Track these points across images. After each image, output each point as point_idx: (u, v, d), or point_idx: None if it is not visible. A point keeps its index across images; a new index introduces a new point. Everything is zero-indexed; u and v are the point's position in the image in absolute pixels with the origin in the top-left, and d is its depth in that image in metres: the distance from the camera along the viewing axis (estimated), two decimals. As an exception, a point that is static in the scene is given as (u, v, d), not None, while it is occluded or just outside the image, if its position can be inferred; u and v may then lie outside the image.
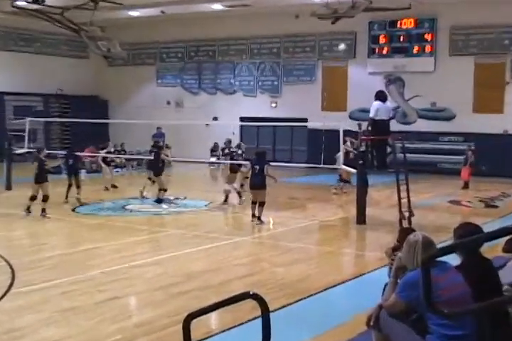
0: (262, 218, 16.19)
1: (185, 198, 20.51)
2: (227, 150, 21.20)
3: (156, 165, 19.53)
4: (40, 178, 17.00)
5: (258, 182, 16.23)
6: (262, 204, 16.14)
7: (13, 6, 26.64)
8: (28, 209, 16.85)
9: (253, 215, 16.27)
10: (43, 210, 16.69)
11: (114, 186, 23.22)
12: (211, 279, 10.68)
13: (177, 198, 20.38)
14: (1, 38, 35.10)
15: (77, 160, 20.47)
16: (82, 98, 38.07)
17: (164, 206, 18.68)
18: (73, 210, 18.29)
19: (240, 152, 20.45)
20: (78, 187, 19.50)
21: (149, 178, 20.56)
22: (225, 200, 19.30)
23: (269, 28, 33.48)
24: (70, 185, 19.62)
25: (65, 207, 18.68)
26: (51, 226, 15.87)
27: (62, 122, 35.85)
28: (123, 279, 10.61)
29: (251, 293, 4.22)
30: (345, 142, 20.39)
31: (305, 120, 30.70)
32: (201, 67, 36.87)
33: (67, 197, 19.47)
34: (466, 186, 24.34)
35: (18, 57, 35.42)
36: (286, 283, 10.44)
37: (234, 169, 19.88)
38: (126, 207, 19.04)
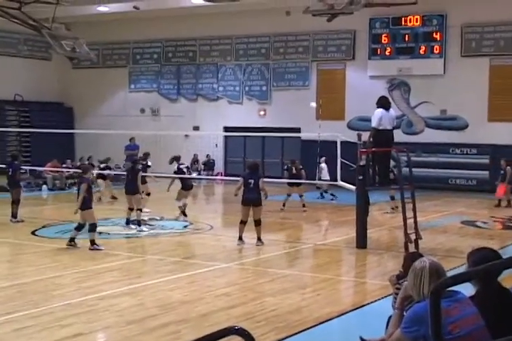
0: (244, 239, 16.35)
1: (161, 219, 20.44)
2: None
3: (132, 183, 19.34)
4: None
5: (254, 198, 16.15)
6: (258, 222, 16.27)
7: (-39, -1, 26.63)
8: None
9: (240, 238, 16.33)
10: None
11: (113, 197, 25.20)
12: (191, 311, 10.61)
13: (153, 218, 20.30)
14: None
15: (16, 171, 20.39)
16: (44, 105, 38.09)
17: (140, 228, 18.57)
18: (33, 233, 18.17)
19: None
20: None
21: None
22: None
23: (257, 26, 33.60)
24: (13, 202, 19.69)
25: (23, 229, 18.55)
26: (6, 251, 15.80)
27: (21, 132, 35.77)
28: (89, 312, 10.50)
29: (236, 327, 4.15)
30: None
31: (298, 130, 30.77)
32: (180, 70, 36.95)
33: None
34: (498, 204, 24.60)
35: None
36: (276, 315, 10.36)
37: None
38: (138, 230, 18.86)
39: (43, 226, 19.12)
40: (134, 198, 18.91)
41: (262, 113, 34.46)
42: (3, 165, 21.55)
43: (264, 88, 34.57)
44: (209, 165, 32.96)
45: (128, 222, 18.97)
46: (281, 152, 33.53)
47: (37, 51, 38.24)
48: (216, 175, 32.98)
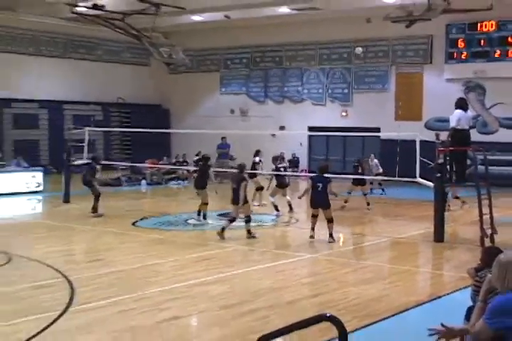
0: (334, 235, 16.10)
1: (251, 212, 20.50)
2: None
3: (201, 178, 19.32)
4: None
5: (322, 201, 15.69)
6: (330, 220, 15.71)
7: (73, 12, 27.21)
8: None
9: (312, 229, 15.94)
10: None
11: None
12: (278, 298, 10.61)
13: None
14: (60, 45, 35.83)
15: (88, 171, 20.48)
16: (144, 107, 38.62)
17: (209, 221, 18.57)
18: (133, 224, 18.46)
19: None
20: None
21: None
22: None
23: (339, 33, 33.38)
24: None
25: (126, 220, 18.85)
26: (111, 240, 16.02)
27: (123, 132, 36.37)
28: (185, 297, 10.61)
29: (328, 314, 4.13)
30: None
31: (377, 130, 30.48)
32: (267, 74, 36.98)
33: None
34: None
35: (77, 64, 36.13)
36: (358, 303, 10.29)
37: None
38: (189, 221, 19.13)
39: (142, 218, 19.40)
40: (201, 193, 18.91)
41: (343, 114, 34.23)
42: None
43: (345, 90, 34.35)
44: (294, 162, 32.87)
45: (202, 215, 18.88)
46: (361, 150, 33.19)
47: (138, 58, 38.80)
48: (301, 172, 32.88)
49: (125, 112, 38.10)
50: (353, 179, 22.16)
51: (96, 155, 22.40)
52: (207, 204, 18.76)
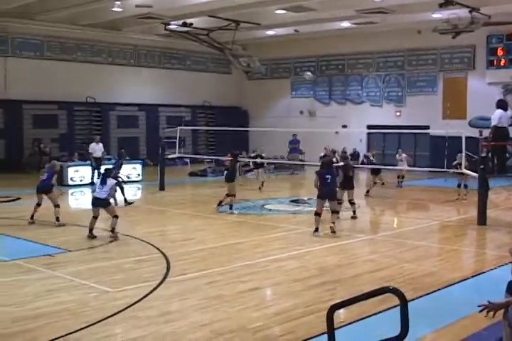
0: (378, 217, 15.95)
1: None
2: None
3: (230, 172, 18.67)
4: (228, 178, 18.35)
5: (330, 192, 14.39)
6: (336, 212, 14.62)
7: (166, 29, 27.56)
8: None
9: (316, 229, 14.31)
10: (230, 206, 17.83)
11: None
12: (343, 273, 10.62)
13: (310, 198, 20.37)
14: (157, 57, 36.31)
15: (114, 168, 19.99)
16: (225, 109, 38.80)
17: (235, 212, 17.74)
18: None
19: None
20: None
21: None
22: None
23: (394, 43, 32.99)
24: None
25: (212, 206, 19.04)
26: (199, 222, 16.21)
27: (208, 130, 36.65)
28: (263, 271, 10.70)
29: (391, 287, 4.14)
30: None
31: (427, 127, 30.02)
32: (331, 80, 36.75)
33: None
34: None
35: (171, 73, 36.54)
36: (413, 278, 10.23)
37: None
38: (265, 206, 19.24)
39: (227, 204, 19.53)
40: (228, 185, 18.15)
41: (397, 114, 33.82)
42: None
43: (399, 93, 33.91)
44: (355, 156, 32.56)
45: (230, 207, 18.07)
46: (413, 146, 32.78)
47: (220, 67, 38.97)
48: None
49: (210, 113, 38.35)
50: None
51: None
52: (234, 195, 17.95)
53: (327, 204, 14.58)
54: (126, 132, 33.57)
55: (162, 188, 22.90)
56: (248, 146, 37.30)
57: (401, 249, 12.80)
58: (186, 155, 31.18)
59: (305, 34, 33.60)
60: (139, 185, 25.38)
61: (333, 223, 14.37)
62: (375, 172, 22.31)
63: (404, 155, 24.05)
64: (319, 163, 16.94)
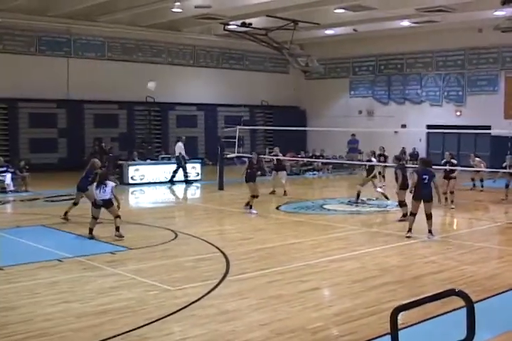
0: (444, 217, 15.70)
1: (376, 199, 20.28)
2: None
3: (250, 173, 18.01)
4: (248, 179, 17.73)
5: (426, 194, 13.65)
6: (430, 216, 13.73)
7: (225, 30, 27.68)
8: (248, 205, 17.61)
9: (409, 230, 13.89)
10: (250, 206, 17.48)
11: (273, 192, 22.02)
12: (404, 274, 10.47)
13: (370, 199, 20.21)
14: (216, 57, 36.54)
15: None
16: (283, 108, 38.77)
17: (254, 211, 17.38)
18: (277, 208, 18.65)
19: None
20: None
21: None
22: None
23: (454, 42, 32.41)
24: None
25: (271, 205, 19.05)
26: (258, 222, 16.23)
27: (266, 130, 36.68)
28: (323, 271, 10.63)
29: (457, 290, 4.05)
30: None
31: (488, 127, 29.43)
32: (390, 79, 36.36)
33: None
34: None
35: (229, 73, 36.73)
36: (474, 280, 10.02)
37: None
38: (325, 206, 19.18)
39: (285, 203, 19.55)
40: (248, 186, 17.89)
41: (458, 113, 33.23)
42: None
43: (460, 93, 33.32)
44: (414, 156, 32.14)
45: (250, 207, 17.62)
46: (473, 146, 32.16)
47: (278, 67, 38.98)
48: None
49: (268, 113, 38.39)
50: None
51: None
52: (256, 197, 17.61)
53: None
54: (185, 131, 33.78)
55: (221, 187, 22.99)
56: (306, 146, 37.24)
57: (461, 251, 12.56)
58: (245, 155, 31.27)
59: (364, 33, 33.30)
60: (198, 184, 25.56)
61: (430, 231, 13.68)
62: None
63: (477, 159, 23.02)
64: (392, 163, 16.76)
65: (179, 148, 25.83)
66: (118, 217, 13.53)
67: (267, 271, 10.56)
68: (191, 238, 13.59)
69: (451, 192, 18.40)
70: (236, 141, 23.82)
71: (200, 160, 27.50)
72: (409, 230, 13.83)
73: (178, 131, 33.99)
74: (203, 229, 14.84)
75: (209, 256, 11.76)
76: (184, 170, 25.41)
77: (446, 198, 18.25)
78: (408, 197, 14.91)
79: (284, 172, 22.76)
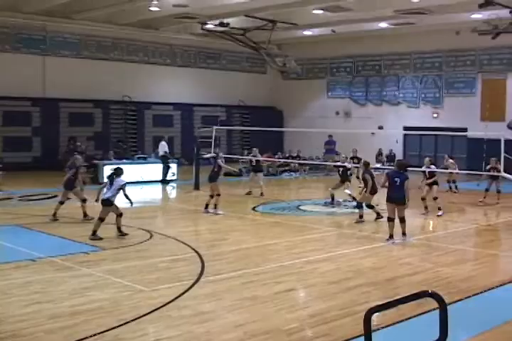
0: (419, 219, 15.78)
1: (353, 199, 20.37)
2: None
3: (214, 173, 17.97)
4: (211, 179, 17.72)
5: (398, 197, 13.40)
6: (403, 220, 13.63)
7: (203, 29, 27.74)
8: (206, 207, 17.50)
9: (391, 236, 13.60)
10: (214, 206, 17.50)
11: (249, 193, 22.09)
12: (379, 276, 10.54)
13: (346, 200, 20.31)
14: (193, 56, 36.51)
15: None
16: (260, 109, 38.86)
17: (220, 212, 17.40)
18: (253, 209, 18.69)
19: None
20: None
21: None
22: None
23: (432, 44, 32.68)
24: None
25: (247, 206, 19.09)
26: (234, 223, 16.24)
27: (243, 130, 36.72)
28: (298, 273, 10.67)
29: (429, 291, 4.11)
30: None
31: (465, 130, 29.72)
32: (368, 81, 36.56)
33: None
34: None
35: (206, 73, 36.72)
36: (449, 282, 10.11)
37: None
38: (301, 207, 19.27)
39: (261, 204, 19.59)
40: (211, 186, 17.75)
41: (434, 115, 33.49)
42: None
43: (437, 95, 33.59)
44: (391, 157, 32.38)
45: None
46: (450, 148, 32.44)
47: (255, 66, 39.07)
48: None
49: (245, 113, 38.44)
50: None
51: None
52: (219, 195, 17.56)
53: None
54: (162, 131, 33.63)
55: (197, 187, 23.02)
56: (283, 147, 37.32)
57: (437, 253, 12.68)
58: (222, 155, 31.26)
59: (342, 34, 33.45)
60: (174, 184, 25.52)
61: (404, 234, 13.69)
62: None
63: (451, 160, 23.10)
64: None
65: (163, 146, 25.93)
66: (120, 215, 13.55)
67: (242, 271, 10.58)
68: (166, 238, 13.57)
69: (435, 198, 17.81)
70: (212, 141, 23.79)
71: (176, 160, 27.44)
72: (391, 236, 13.58)
73: (154, 131, 33.93)
74: (179, 229, 14.84)
75: (184, 256, 11.76)
76: (166, 169, 25.49)
77: (425, 206, 17.93)
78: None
79: (261, 173, 22.82)
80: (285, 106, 39.95)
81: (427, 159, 18.51)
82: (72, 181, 15.71)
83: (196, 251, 12.12)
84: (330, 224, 16.49)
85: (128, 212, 14.11)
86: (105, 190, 13.62)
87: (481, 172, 20.77)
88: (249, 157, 23.63)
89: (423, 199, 17.87)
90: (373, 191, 16.14)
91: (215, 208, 17.60)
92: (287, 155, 31.92)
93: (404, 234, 13.73)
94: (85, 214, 15.55)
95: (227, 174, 28.79)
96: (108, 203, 13.44)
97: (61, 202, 15.73)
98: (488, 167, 20.14)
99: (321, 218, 17.45)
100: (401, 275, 10.63)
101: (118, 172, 13.82)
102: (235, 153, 35.00)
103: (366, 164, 16.96)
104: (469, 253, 13.08)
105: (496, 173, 18.91)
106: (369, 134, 33.51)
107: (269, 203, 19.85)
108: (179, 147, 34.87)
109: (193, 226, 16.20)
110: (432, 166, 18.16)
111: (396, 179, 13.49)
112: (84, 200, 15.65)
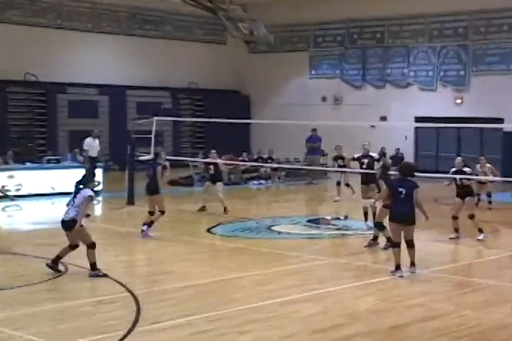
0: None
1: (346, 218, 20.42)
2: None
3: (153, 182, 17.92)
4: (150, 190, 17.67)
5: (405, 213, 13.39)
6: (411, 244, 13.59)
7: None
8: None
9: (397, 267, 13.59)
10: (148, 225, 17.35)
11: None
12: (381, 322, 10.55)
13: (336, 218, 20.34)
14: (123, 20, 36.43)
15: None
16: (219, 93, 38.92)
17: (151, 234, 17.45)
18: (208, 230, 18.64)
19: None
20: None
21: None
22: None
23: (454, 2, 33.01)
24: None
25: (199, 226, 19.03)
26: (181, 249, 16.17)
27: (195, 122, 36.70)
28: (270, 318, 10.62)
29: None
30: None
31: (500, 120, 30.02)
32: (366, 54, 36.84)
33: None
34: None
35: (143, 42, 36.70)
36: (479, 331, 10.15)
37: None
38: (273, 227, 19.24)
39: (219, 224, 19.55)
40: (153, 199, 17.92)
41: (458, 101, 33.85)
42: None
43: (461, 73, 33.93)
44: (398, 159, 32.56)
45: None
46: (479, 146, 32.71)
47: (212, 35, 39.18)
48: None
49: (197, 99, 38.54)
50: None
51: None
52: (163, 212, 17.67)
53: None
54: (81, 124, 33.52)
55: (131, 202, 22.94)
56: (250, 145, 37.37)
57: (462, 290, 12.75)
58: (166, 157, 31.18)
59: (330, -10, 33.68)
60: (99, 198, 25.35)
61: (413, 264, 13.69)
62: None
63: (488, 165, 22.99)
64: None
65: (91, 146, 26.15)
66: (91, 246, 13.43)
67: (193, 318, 10.52)
68: (87, 272, 13.46)
69: (471, 217, 17.51)
70: (152, 137, 23.72)
71: (101, 164, 27.30)
72: (397, 267, 13.54)
73: (70, 124, 33.79)
74: (104, 259, 14.67)
75: (112, 297, 11.68)
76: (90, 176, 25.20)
77: (456, 229, 17.73)
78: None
79: (221, 183, 22.70)
80: (252, 89, 40.05)
81: (460, 159, 18.07)
82: None
83: (129, 290, 12.04)
84: (314, 250, 16.44)
85: (33, 236, 13.98)
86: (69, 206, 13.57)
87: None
88: (204, 160, 23.59)
89: (454, 218, 17.64)
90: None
91: (148, 226, 17.46)
92: (256, 156, 31.96)
93: (413, 263, 13.70)
94: None
95: (174, 182, 28.79)
96: (72, 225, 13.37)
97: None
98: None
99: (301, 242, 17.46)
100: (411, 321, 10.64)
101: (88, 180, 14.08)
102: (184, 153, 34.97)
103: (386, 167, 16.68)
104: (505, 290, 13.10)
105: None
106: (367, 128, 33.66)
107: (229, 222, 19.81)
108: (106, 146, 34.69)
109: (125, 255, 16.09)
110: (467, 169, 17.95)
111: (400, 189, 13.49)
112: None
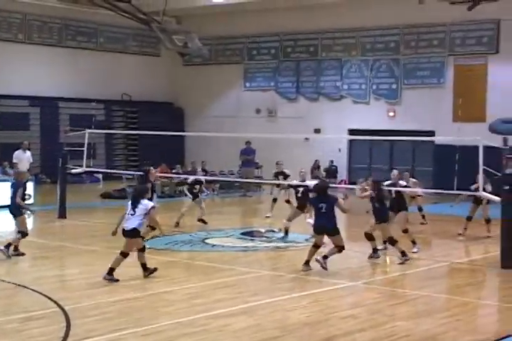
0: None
1: (280, 230, 20.41)
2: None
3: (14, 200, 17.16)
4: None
5: (327, 225, 15.13)
6: (340, 250, 15.26)
7: (71, -8, 27.47)
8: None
9: (307, 262, 15.22)
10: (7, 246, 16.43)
11: (202, 221, 22.11)
12: (314, 334, 10.56)
13: (270, 230, 20.32)
14: (56, 31, 36.10)
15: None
16: (153, 105, 38.81)
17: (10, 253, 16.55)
18: (141, 244, 18.50)
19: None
20: None
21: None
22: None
23: (386, 17, 33.32)
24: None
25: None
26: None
27: (128, 135, 36.50)
28: (202, 332, 10.57)
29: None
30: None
31: (432, 133, 30.32)
32: (300, 67, 37.01)
33: None
34: None
35: (76, 54, 36.50)
36: (410, 341, 10.24)
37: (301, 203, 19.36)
38: (207, 240, 19.22)
39: (152, 237, 19.41)
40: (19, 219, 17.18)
41: (391, 114, 34.13)
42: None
43: (393, 86, 34.23)
44: (331, 172, 32.75)
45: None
46: (411, 158, 33.06)
47: (146, 47, 39.03)
48: (339, 184, 32.67)
49: (131, 111, 38.37)
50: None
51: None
52: (26, 234, 16.79)
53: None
54: (11, 136, 33.04)
55: (63, 215, 22.72)
56: (184, 157, 37.30)
57: (394, 301, 12.80)
58: (97, 170, 30.94)
59: (264, 3, 33.74)
60: (30, 211, 25.01)
61: (325, 257, 14.98)
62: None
63: (413, 180, 22.98)
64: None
65: (20, 159, 25.81)
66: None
67: (124, 332, 10.42)
68: (16, 288, 13.31)
69: (404, 231, 17.62)
70: (85, 149, 23.52)
71: (32, 177, 26.98)
72: (307, 262, 15.10)
73: (0, 136, 33.30)
74: (34, 274, 14.61)
75: (41, 313, 11.51)
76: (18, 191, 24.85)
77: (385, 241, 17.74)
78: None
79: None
80: (187, 101, 39.99)
81: (395, 172, 18.41)
82: None
83: (59, 305, 11.89)
84: (248, 263, 16.47)
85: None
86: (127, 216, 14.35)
87: (455, 192, 21.00)
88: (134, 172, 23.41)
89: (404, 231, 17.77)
90: (386, 218, 16.59)
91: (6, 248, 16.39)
92: (189, 168, 31.84)
93: (326, 257, 14.96)
94: None
95: (107, 195, 28.62)
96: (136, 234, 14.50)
97: None
98: (473, 186, 19.49)
99: (236, 255, 17.42)
100: (344, 332, 10.66)
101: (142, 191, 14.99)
102: (117, 166, 34.77)
103: (378, 182, 16.98)
104: (436, 301, 13.22)
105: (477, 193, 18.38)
106: (301, 140, 33.82)
107: (164, 236, 19.69)
108: (37, 158, 34.29)
109: (57, 269, 15.96)
110: (402, 182, 18.10)
111: (321, 205, 15.06)
112: None
